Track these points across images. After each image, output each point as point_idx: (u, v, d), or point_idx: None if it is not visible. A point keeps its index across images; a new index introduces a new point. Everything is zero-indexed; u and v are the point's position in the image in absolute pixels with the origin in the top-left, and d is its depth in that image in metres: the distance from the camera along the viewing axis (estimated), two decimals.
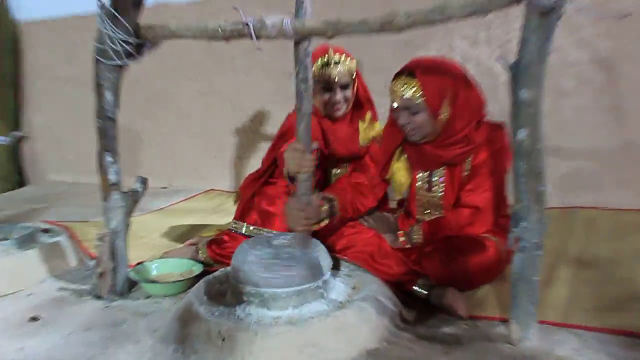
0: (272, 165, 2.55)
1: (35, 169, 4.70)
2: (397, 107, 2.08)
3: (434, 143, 2.13)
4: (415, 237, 2.18)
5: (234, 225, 2.46)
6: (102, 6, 2.07)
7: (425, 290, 2.06)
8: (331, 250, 2.16)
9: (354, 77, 2.46)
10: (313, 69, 2.45)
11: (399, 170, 2.29)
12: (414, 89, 2.02)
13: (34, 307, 2.17)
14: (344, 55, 2.43)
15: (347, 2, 3.44)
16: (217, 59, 3.96)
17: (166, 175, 4.24)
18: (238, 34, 1.92)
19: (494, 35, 3.21)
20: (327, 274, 1.94)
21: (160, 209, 3.59)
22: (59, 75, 4.49)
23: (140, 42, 2.14)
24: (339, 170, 2.59)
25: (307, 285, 1.85)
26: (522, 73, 1.49)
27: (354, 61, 2.47)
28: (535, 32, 1.43)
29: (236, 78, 3.93)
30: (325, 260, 1.95)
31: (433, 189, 2.21)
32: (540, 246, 1.64)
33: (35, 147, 4.69)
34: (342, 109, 2.46)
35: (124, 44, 2.09)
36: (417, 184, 2.25)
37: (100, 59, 2.13)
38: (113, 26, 2.07)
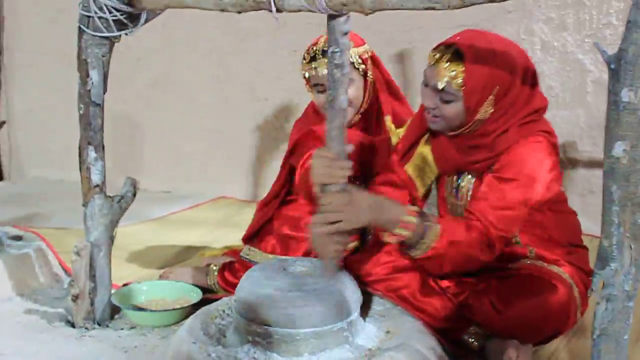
0: (287, 183, 2.52)
1: (14, 161, 4.73)
2: (428, 85, 1.99)
3: (456, 139, 2.05)
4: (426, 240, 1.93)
5: (248, 253, 2.42)
6: None
7: (478, 341, 1.98)
8: (361, 282, 2.07)
9: (362, 70, 2.36)
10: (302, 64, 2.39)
11: (422, 159, 2.18)
12: (454, 73, 1.92)
13: None
14: None
15: None
16: (236, 35, 3.90)
17: (169, 177, 4.21)
18: (256, 6, 1.86)
19: (586, 19, 3.11)
20: (355, 313, 1.87)
21: (158, 218, 3.56)
22: (44, 48, 4.47)
23: (135, 12, 2.11)
24: None
25: (329, 327, 1.78)
26: (625, 68, 1.39)
27: (360, 48, 2.35)
28: None
29: (259, 61, 3.88)
30: (354, 295, 1.89)
31: (459, 195, 2.12)
32: (632, 296, 1.54)
33: (14, 135, 4.72)
34: None
35: (114, 11, 2.06)
36: (445, 188, 2.17)
37: (85, 29, 2.10)
38: None
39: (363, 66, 2.36)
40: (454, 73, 1.92)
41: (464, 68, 1.91)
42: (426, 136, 2.18)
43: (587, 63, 3.13)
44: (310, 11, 1.79)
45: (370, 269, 2.14)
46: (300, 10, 1.80)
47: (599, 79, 3.10)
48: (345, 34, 1.84)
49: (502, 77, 1.93)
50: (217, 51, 3.99)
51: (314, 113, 2.51)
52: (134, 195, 2.27)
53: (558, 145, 2.07)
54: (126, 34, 2.15)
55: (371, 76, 2.39)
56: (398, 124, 2.41)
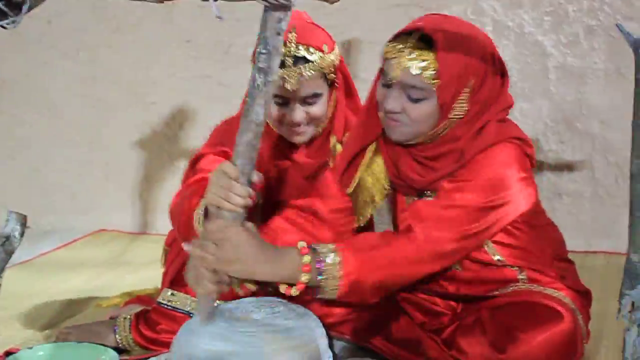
0: None
1: None
2: (392, 82, 2.00)
3: (416, 151, 2.09)
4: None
5: (169, 299, 2.38)
6: None
7: None
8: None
9: (330, 80, 2.32)
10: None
11: (368, 180, 2.21)
12: (427, 63, 1.95)
13: None
14: (311, 47, 2.24)
15: None
16: (109, 22, 3.86)
17: (29, 208, 4.05)
18: None
19: None
20: None
21: (25, 261, 3.43)
22: None
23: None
24: None
25: None
26: None
27: (332, 54, 2.29)
28: None
29: (141, 55, 3.86)
30: (324, 341, 1.89)
31: None
32: None
33: None
34: (304, 134, 2.33)
35: None
36: (402, 205, 2.21)
37: None
38: None
39: (333, 75, 2.31)
40: (424, 63, 1.95)
41: (435, 56, 1.94)
42: (373, 147, 2.19)
43: (547, 45, 3.29)
44: None
45: (329, 310, 2.17)
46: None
47: (563, 64, 3.27)
48: (279, 34, 1.79)
49: (477, 66, 1.99)
50: (86, 43, 3.92)
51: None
52: (22, 235, 2.20)
53: (534, 156, 2.13)
54: (4, 27, 2.09)
55: (337, 84, 2.35)
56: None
